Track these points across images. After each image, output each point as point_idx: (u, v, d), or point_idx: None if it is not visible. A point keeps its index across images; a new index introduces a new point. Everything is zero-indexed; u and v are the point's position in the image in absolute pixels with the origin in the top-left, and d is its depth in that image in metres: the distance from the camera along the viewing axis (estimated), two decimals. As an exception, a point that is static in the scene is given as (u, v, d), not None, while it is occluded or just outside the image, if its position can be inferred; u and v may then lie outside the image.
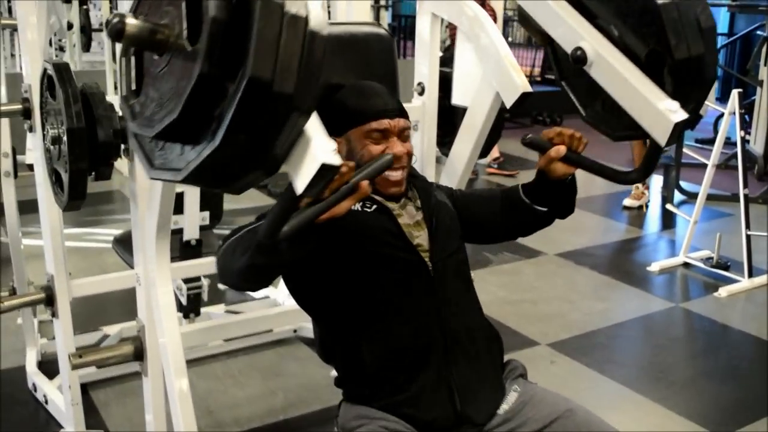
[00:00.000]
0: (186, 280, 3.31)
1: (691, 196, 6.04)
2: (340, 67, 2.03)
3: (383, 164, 1.40)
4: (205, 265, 3.17)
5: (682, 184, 6.10)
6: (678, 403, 3.17)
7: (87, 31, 6.99)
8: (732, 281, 4.43)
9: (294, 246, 1.40)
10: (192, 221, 3.22)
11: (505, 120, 2.50)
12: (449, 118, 2.64)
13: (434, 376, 1.74)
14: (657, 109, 1.66)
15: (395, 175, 1.82)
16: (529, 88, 2.15)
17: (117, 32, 1.18)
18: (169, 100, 1.20)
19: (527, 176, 6.42)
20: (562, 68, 2.03)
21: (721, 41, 10.74)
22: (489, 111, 2.27)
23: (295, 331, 3.67)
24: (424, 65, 2.53)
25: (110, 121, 2.05)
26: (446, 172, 2.44)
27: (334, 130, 1.89)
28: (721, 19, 10.54)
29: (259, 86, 1.11)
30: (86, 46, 7.07)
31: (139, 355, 2.26)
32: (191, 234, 3.24)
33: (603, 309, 4.14)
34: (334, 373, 3.26)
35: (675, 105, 1.66)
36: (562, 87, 2.05)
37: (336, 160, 1.19)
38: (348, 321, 1.79)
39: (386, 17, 9.97)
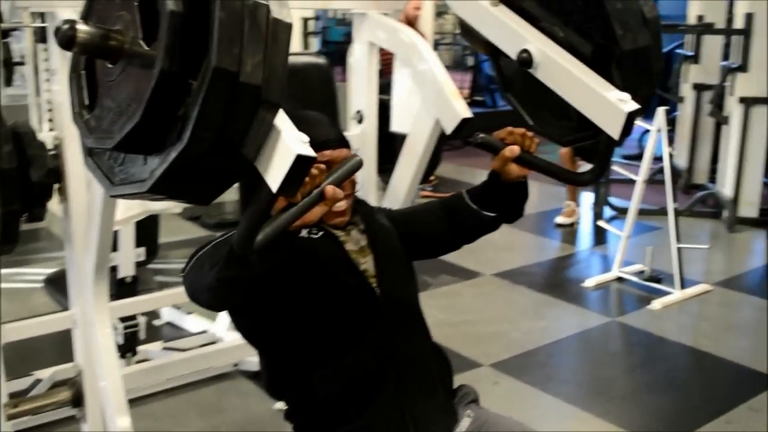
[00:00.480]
0: (122, 319, 3.22)
1: (621, 212, 6.17)
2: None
3: (353, 166, 1.34)
4: (142, 303, 3.09)
5: (611, 199, 6.24)
6: (620, 417, 3.21)
7: (9, 65, 6.78)
8: (665, 293, 4.53)
9: (266, 256, 1.33)
10: (127, 258, 3.14)
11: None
12: (388, 145, 2.65)
13: (387, 404, 1.72)
14: (608, 101, 1.62)
15: (339, 204, 1.80)
16: (469, 114, 2.16)
17: (68, 40, 1.12)
18: (128, 106, 1.15)
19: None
20: (506, 80, 2.01)
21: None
22: (429, 137, 2.28)
23: (235, 365, 3.59)
24: (362, 93, 2.53)
25: (43, 160, 1.99)
26: (388, 200, 2.43)
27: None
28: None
29: (224, 78, 1.07)
30: (8, 81, 6.85)
31: (77, 400, 2.19)
32: (126, 271, 3.16)
33: (542, 327, 4.19)
34: (278, 405, 3.24)
35: (625, 96, 1.63)
36: (507, 100, 2.02)
37: (310, 151, 1.14)
38: (298, 351, 1.76)
39: (315, 44, 9.99)
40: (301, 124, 1.86)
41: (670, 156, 4.70)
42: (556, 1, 1.80)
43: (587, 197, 6.57)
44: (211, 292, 1.48)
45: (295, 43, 3.81)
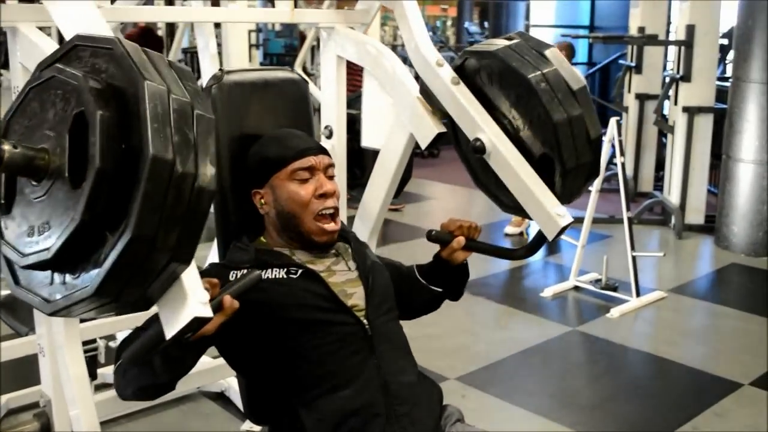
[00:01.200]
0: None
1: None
2: (256, 114, 1.97)
3: (251, 281, 1.39)
4: (101, 327, 3.00)
5: (562, 209, 6.30)
6: (590, 427, 3.23)
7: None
8: (621, 301, 4.59)
9: (168, 367, 1.40)
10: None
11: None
12: (358, 161, 2.62)
13: None
14: (548, 213, 1.81)
15: (331, 225, 1.79)
16: (443, 129, 2.15)
17: None
18: (43, 235, 1.16)
19: (413, 209, 6.41)
20: (459, 138, 2.08)
21: (583, 71, 11.29)
22: (403, 152, 2.26)
23: (198, 386, 3.50)
24: (332, 108, 2.50)
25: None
26: (360, 216, 2.40)
27: (255, 181, 1.83)
28: (580, 50, 11.08)
29: (140, 244, 1.10)
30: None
31: (46, 431, 2.09)
32: (85, 293, 3.05)
33: (505, 338, 4.19)
34: (243, 427, 3.17)
35: (563, 210, 1.82)
36: (458, 152, 2.13)
37: (208, 312, 1.21)
38: (283, 389, 1.72)
39: (257, 56, 9.91)
40: (277, 140, 1.85)
41: (613, 164, 4.77)
42: (513, 100, 1.91)
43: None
44: (134, 396, 1.54)
45: (242, 57, 3.77)
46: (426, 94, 2.07)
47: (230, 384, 3.36)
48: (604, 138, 2.11)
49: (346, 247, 1.88)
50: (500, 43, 1.91)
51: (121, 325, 3.39)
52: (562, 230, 1.83)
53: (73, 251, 1.12)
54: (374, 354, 1.73)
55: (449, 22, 17.68)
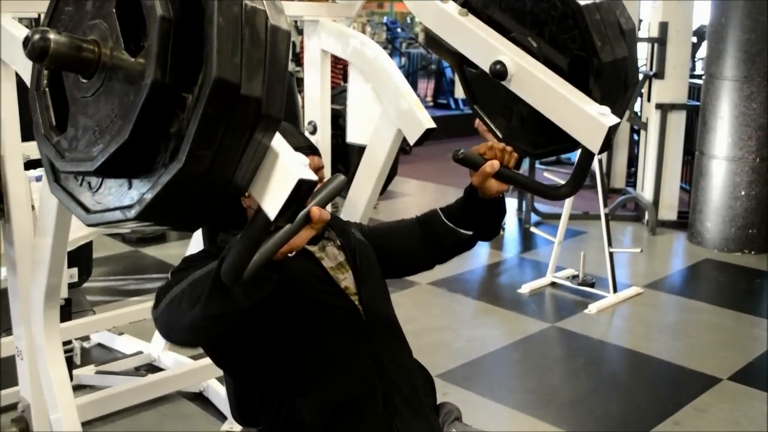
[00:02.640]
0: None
1: (546, 217, 6.27)
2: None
3: (338, 185, 1.23)
4: (77, 328, 2.93)
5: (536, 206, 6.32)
6: (573, 424, 3.23)
7: None
8: (599, 297, 4.60)
9: (251, 289, 1.24)
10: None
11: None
12: (342, 157, 2.58)
13: (377, 425, 1.66)
14: (589, 115, 1.57)
15: None
16: (432, 124, 2.12)
17: (41, 51, 1.00)
18: (111, 123, 1.03)
19: (387, 206, 6.39)
20: (474, 91, 1.95)
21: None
22: (390, 148, 2.22)
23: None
24: (315, 103, 2.45)
25: (-16, 179, 1.84)
26: (346, 213, 2.36)
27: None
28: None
29: (226, 90, 0.97)
30: None
31: (25, 437, 2.03)
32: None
33: (483, 335, 4.18)
34: (224, 428, 3.12)
35: (605, 109, 1.58)
36: (474, 110, 1.95)
37: (312, 175, 1.05)
38: (280, 377, 1.67)
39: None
40: None
41: (599, 161, 4.79)
42: (528, 12, 1.75)
43: (510, 203, 6.64)
44: (192, 331, 1.40)
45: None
46: (432, 40, 1.90)
47: (209, 384, 3.30)
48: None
49: (329, 230, 1.81)
50: None
51: (97, 326, 3.33)
52: (609, 136, 1.58)
53: (150, 125, 0.99)
54: (369, 340, 1.69)
55: (417, 18, 17.63)
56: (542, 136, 1.79)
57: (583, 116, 1.59)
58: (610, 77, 1.65)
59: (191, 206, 1.07)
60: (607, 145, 1.60)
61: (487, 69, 1.73)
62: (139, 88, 0.98)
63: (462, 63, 1.94)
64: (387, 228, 1.97)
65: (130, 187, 1.05)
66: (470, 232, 1.81)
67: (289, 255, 1.28)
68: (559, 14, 1.68)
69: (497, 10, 1.81)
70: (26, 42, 1.01)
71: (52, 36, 1.01)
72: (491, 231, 1.86)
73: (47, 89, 1.15)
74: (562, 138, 1.69)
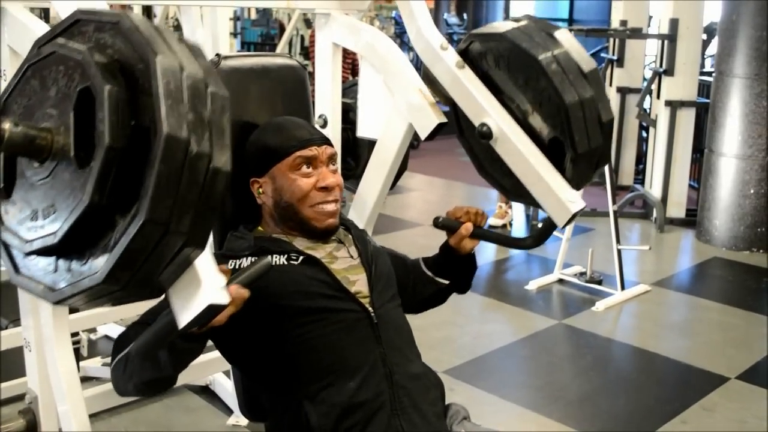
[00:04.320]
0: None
1: (553, 213, 6.23)
2: (254, 101, 1.91)
3: (261, 268, 1.33)
4: (84, 320, 2.92)
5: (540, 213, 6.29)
6: (580, 421, 3.21)
7: None
8: (606, 295, 4.58)
9: (174, 359, 1.36)
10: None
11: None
12: (353, 151, 2.56)
13: (384, 429, 1.64)
14: (559, 199, 1.77)
15: (329, 207, 1.73)
16: (444, 119, 2.10)
17: None
18: (48, 219, 1.09)
19: (393, 201, 6.34)
20: (462, 126, 2.05)
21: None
22: (401, 143, 2.21)
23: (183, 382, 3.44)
24: (326, 97, 2.44)
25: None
26: (355, 208, 2.35)
27: (255, 170, 1.77)
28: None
29: (152, 230, 1.03)
30: None
31: (32, 429, 2.03)
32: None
33: (490, 331, 4.17)
34: (230, 422, 3.12)
35: (575, 195, 1.78)
36: (461, 141, 2.10)
37: (224, 299, 1.15)
38: (288, 381, 1.66)
39: (235, 44, 9.80)
40: (278, 128, 1.80)
41: (608, 158, 4.76)
42: (521, 83, 1.86)
43: (518, 208, 6.62)
44: (137, 392, 1.51)
45: (227, 44, 3.69)
46: (429, 79, 2.02)
47: (215, 378, 3.30)
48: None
49: (346, 233, 1.84)
50: (508, 25, 1.86)
51: (104, 318, 3.33)
52: (573, 216, 1.79)
53: (80, 236, 1.06)
54: (380, 343, 1.69)
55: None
56: (518, 187, 1.91)
57: (553, 197, 1.80)
58: (583, 163, 1.81)
59: (108, 301, 1.15)
60: (571, 222, 1.82)
61: (475, 125, 1.90)
62: (77, 203, 1.04)
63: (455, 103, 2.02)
64: (396, 257, 2.02)
65: (55, 270, 1.12)
66: (447, 282, 2.00)
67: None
68: (547, 99, 1.79)
69: (494, 68, 1.93)
70: None
71: (7, 126, 1.06)
72: (465, 283, 2.06)
73: (2, 154, 1.19)
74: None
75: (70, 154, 1.06)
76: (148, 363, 1.37)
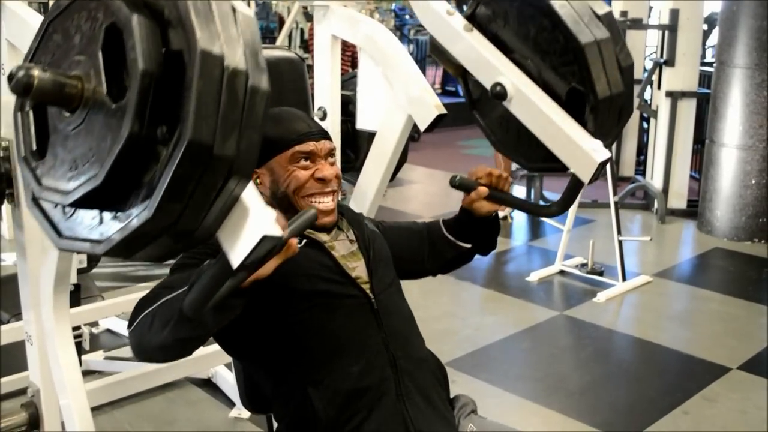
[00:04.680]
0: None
1: (554, 205, 6.23)
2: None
3: (309, 218, 1.28)
4: (86, 313, 2.93)
5: (544, 193, 6.30)
6: (582, 413, 3.22)
7: None
8: (608, 286, 4.59)
9: (219, 315, 1.29)
10: (69, 265, 2.97)
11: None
12: (352, 143, 2.56)
13: (390, 414, 1.64)
14: (582, 149, 1.67)
15: (326, 201, 1.73)
16: (443, 110, 2.10)
17: (25, 87, 1.02)
18: (88, 163, 1.06)
19: (394, 193, 6.36)
20: (473, 97, 2.00)
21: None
22: (401, 134, 2.21)
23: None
24: (325, 89, 2.43)
25: (-7, 164, 1.83)
26: (355, 200, 2.35)
27: (253, 161, 1.76)
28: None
29: (198, 150, 1.00)
30: None
31: (35, 422, 2.03)
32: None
33: (492, 322, 4.17)
34: (232, 414, 3.13)
35: (598, 144, 1.67)
36: (473, 116, 2.01)
37: (277, 231, 1.10)
38: (291, 368, 1.66)
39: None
40: (277, 120, 1.79)
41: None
42: (532, 38, 1.79)
43: (520, 191, 6.62)
44: (161, 351, 1.42)
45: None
46: (436, 49, 1.96)
47: (217, 371, 3.31)
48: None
49: (341, 218, 1.82)
50: None
51: (106, 312, 3.33)
52: (600, 169, 1.68)
53: (123, 174, 1.02)
54: (381, 328, 1.69)
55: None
56: (536, 153, 1.84)
57: (576, 149, 1.68)
58: (605, 111, 1.72)
59: (157, 248, 1.10)
60: (597, 176, 1.70)
61: (488, 87, 1.80)
62: (117, 137, 1.00)
63: (465, 71, 1.95)
64: (400, 227, 2.00)
65: (101, 222, 1.08)
66: (468, 245, 1.93)
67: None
68: (561, 46, 1.72)
69: (502, 28, 1.86)
70: (10, 77, 1.03)
71: (36, 72, 1.03)
72: (488, 245, 1.98)
73: (31, 111, 1.17)
74: (555, 159, 1.77)
75: (102, 93, 1.03)
76: (183, 320, 1.30)
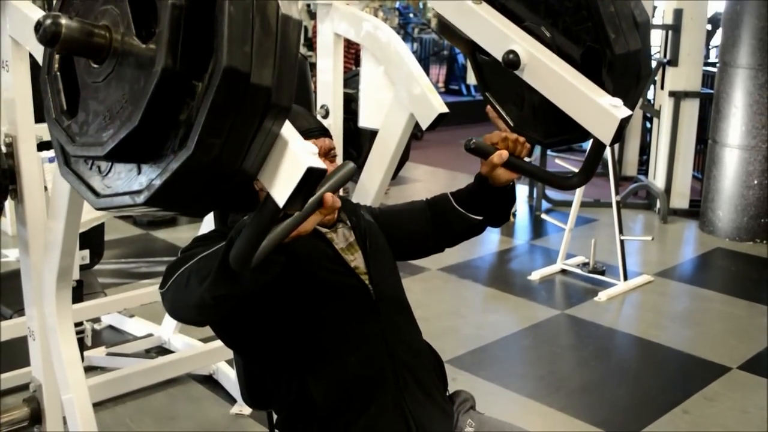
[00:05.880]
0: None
1: (557, 204, 6.25)
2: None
3: (347, 173, 1.24)
4: (88, 309, 2.94)
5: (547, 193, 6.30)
6: (582, 411, 3.22)
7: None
8: (609, 285, 4.59)
9: (258, 273, 1.26)
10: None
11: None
12: (354, 141, 2.57)
13: (388, 404, 1.66)
14: (601, 107, 1.58)
15: None
16: (445, 109, 2.11)
17: (52, 36, 1.01)
18: (122, 109, 1.04)
19: (398, 192, 6.34)
20: (485, 79, 1.96)
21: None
22: (403, 133, 2.22)
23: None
24: (328, 87, 2.44)
25: (-3, 160, 1.84)
26: (357, 198, 2.35)
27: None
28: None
29: (235, 79, 0.98)
30: None
31: (36, 417, 2.05)
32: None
33: (493, 321, 4.18)
34: (233, 410, 3.13)
35: (618, 101, 1.60)
36: (485, 98, 1.97)
37: (321, 163, 1.06)
38: (291, 357, 1.67)
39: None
40: None
41: (610, 149, 4.76)
42: (542, 2, 1.75)
43: (521, 190, 6.62)
44: (199, 309, 1.40)
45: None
46: (445, 27, 1.91)
47: (219, 367, 3.32)
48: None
49: (343, 213, 1.82)
50: None
51: (108, 308, 3.35)
52: (621, 128, 1.59)
53: (159, 112, 1.00)
54: (380, 319, 1.70)
55: (431, 4, 17.55)
56: (553, 126, 1.80)
57: (595, 108, 1.60)
58: (623, 69, 1.65)
59: (200, 193, 1.08)
60: (619, 136, 1.61)
61: (499, 58, 1.73)
62: (150, 75, 0.99)
63: (474, 50, 1.94)
64: (397, 210, 1.98)
65: (139, 173, 1.07)
66: (480, 218, 1.86)
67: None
68: (573, 5, 1.68)
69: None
70: (38, 26, 1.02)
71: (63, 21, 1.01)
72: (501, 217, 1.90)
73: (59, 73, 1.16)
74: (574, 128, 1.70)
75: (131, 38, 1.03)
76: (224, 277, 1.28)
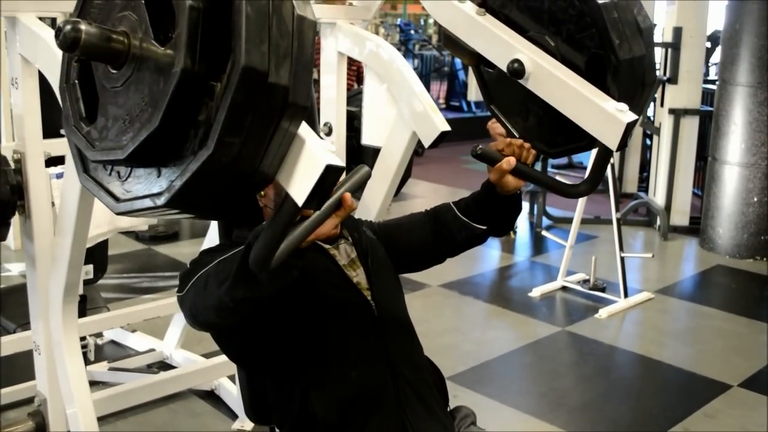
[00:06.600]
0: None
1: (557, 221, 6.27)
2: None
3: (364, 175, 1.25)
4: (91, 324, 2.95)
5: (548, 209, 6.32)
6: (582, 428, 3.23)
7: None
8: (609, 302, 4.60)
9: (277, 275, 1.27)
10: (76, 276, 2.99)
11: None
12: (357, 159, 2.59)
13: (389, 419, 1.67)
14: (606, 112, 1.58)
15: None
16: (447, 127, 2.13)
17: (72, 42, 1.03)
18: (141, 112, 1.06)
19: (398, 208, 6.35)
20: (490, 92, 1.97)
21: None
22: (405, 151, 2.25)
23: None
24: (331, 105, 2.47)
25: (5, 176, 1.87)
26: (360, 215, 2.37)
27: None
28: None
29: (253, 78, 1.00)
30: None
31: (41, 431, 2.05)
32: (75, 290, 3.01)
33: (493, 338, 4.19)
34: (235, 426, 3.14)
35: (623, 106, 1.60)
36: (491, 111, 1.98)
37: (339, 161, 1.08)
38: (293, 370, 1.69)
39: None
40: None
41: (611, 166, 4.78)
42: (546, 11, 1.77)
43: (523, 207, 6.63)
44: (218, 312, 1.42)
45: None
46: (449, 40, 1.92)
47: (220, 382, 3.32)
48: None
49: (345, 229, 1.83)
50: None
51: (111, 323, 3.36)
52: (627, 132, 1.58)
53: (179, 114, 1.02)
54: (381, 335, 1.71)
55: (432, 20, 17.67)
56: (559, 135, 1.81)
57: (600, 113, 1.60)
58: (627, 75, 1.66)
59: (219, 194, 1.10)
60: (625, 142, 1.62)
61: (504, 68, 1.74)
62: (169, 77, 1.01)
63: (479, 63, 1.95)
64: (396, 222, 1.98)
65: (159, 175, 1.08)
66: (484, 227, 1.82)
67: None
68: (577, 13, 1.69)
69: (515, 9, 1.83)
70: (58, 32, 1.04)
71: (83, 27, 1.03)
72: (505, 226, 1.88)
73: (77, 81, 1.19)
74: (579, 137, 1.73)
75: (149, 42, 1.04)
76: (242, 279, 1.30)
